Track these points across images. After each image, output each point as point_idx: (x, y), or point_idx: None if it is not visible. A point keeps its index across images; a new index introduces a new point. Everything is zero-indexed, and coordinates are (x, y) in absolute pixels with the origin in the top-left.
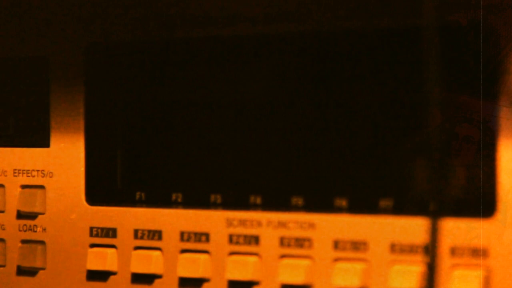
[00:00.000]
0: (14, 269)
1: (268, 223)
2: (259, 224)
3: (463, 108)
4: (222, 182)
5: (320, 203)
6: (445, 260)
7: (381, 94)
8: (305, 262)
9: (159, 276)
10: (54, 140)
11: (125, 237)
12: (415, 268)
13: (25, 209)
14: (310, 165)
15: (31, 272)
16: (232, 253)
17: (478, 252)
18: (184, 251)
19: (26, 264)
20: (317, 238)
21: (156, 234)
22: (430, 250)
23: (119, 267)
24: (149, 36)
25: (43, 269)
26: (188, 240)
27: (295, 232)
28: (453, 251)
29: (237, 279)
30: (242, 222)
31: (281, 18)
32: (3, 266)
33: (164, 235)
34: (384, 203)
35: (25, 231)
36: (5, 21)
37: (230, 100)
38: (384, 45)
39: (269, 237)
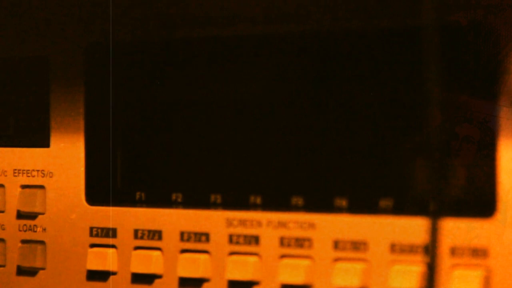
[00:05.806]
0: (14, 269)
1: (268, 223)
2: (259, 224)
3: (463, 108)
4: (222, 182)
5: (320, 203)
6: (445, 260)
7: (381, 94)
8: (305, 262)
9: (159, 276)
10: (54, 140)
11: (125, 237)
12: (415, 268)
13: (25, 209)
14: (310, 165)
15: (31, 272)
16: (232, 253)
17: (478, 252)
18: (184, 251)
19: (26, 264)
20: (317, 238)
21: (156, 234)
22: (430, 250)
23: (119, 267)
24: (149, 36)
25: (43, 269)
26: (188, 240)
27: (295, 232)
28: (453, 251)
29: (237, 279)
30: (242, 222)
31: (281, 18)
32: (3, 266)
33: (164, 235)
34: (384, 203)
35: (25, 231)
36: (5, 21)
37: (230, 100)
38: (384, 45)
39: (269, 237)
